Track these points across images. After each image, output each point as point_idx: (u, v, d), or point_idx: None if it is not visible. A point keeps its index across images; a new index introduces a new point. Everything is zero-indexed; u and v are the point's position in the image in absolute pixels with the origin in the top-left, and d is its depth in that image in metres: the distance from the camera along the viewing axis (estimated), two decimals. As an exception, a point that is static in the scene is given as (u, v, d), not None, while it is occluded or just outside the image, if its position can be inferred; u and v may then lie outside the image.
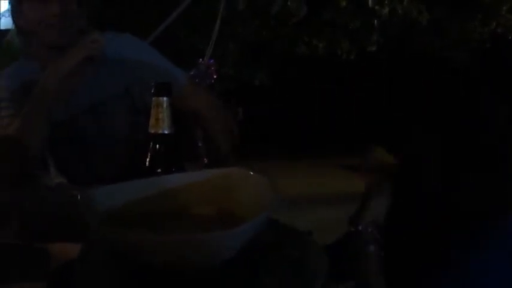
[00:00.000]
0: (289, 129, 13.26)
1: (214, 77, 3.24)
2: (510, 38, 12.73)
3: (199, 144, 2.64)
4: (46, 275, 1.22)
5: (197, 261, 0.91)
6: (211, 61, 3.35)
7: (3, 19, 8.34)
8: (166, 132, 1.31)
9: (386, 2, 11.29)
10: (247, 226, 0.93)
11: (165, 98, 1.31)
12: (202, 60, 3.34)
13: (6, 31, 6.92)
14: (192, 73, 3.15)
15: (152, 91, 1.33)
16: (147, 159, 1.31)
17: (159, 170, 1.29)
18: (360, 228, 1.55)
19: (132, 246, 0.92)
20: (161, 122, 1.30)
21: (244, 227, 0.92)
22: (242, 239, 0.93)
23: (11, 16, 2.20)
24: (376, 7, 11.08)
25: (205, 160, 2.64)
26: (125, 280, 1.00)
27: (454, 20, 12.83)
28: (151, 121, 1.31)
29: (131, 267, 0.97)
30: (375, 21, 11.48)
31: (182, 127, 2.40)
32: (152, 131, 1.31)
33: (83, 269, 1.07)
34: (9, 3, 2.25)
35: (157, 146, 1.31)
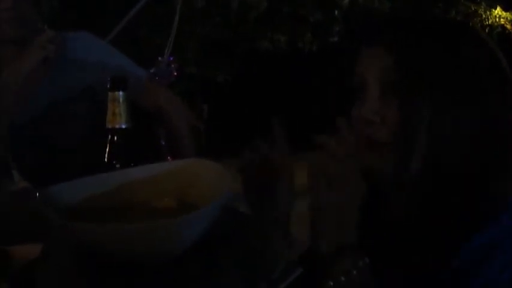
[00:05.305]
0: (255, 125, 13.23)
1: (175, 74, 3.21)
2: (470, 25, 12.87)
3: (162, 143, 2.61)
4: (8, 276, 1.20)
5: (156, 251, 0.90)
6: (171, 58, 3.32)
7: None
8: (123, 126, 1.29)
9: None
10: (198, 213, 0.92)
11: (120, 93, 1.30)
12: (162, 58, 3.31)
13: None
14: (152, 71, 3.12)
15: (108, 86, 1.31)
16: (106, 154, 1.30)
17: (117, 165, 1.28)
18: None
19: (92, 239, 0.91)
20: (118, 117, 1.29)
21: (195, 214, 0.92)
22: (197, 226, 0.93)
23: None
24: (337, -2, 11.10)
25: (169, 159, 2.61)
26: (85, 277, 0.99)
27: (415, 8, 12.92)
28: (108, 116, 1.30)
29: (91, 264, 0.96)
30: (336, 11, 11.51)
31: (144, 125, 2.39)
32: (109, 126, 1.30)
33: (44, 268, 1.06)
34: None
35: (115, 140, 1.30)
